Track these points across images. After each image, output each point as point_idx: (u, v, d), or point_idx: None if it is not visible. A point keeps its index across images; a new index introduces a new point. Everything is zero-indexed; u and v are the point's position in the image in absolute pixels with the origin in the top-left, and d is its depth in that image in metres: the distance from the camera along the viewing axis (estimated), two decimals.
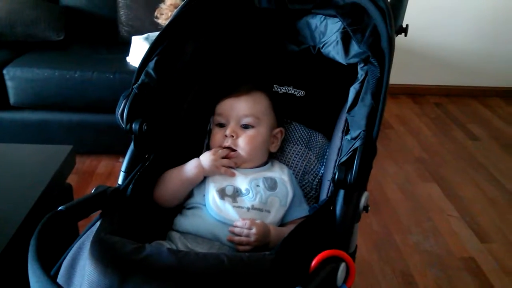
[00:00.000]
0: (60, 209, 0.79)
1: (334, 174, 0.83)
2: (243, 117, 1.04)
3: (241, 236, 0.89)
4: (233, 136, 1.02)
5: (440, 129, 3.16)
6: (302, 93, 1.14)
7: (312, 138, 1.13)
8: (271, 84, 1.16)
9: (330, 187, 0.92)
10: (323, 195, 0.96)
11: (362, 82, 0.87)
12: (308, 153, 1.11)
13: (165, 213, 1.01)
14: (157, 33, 2.43)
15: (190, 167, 0.99)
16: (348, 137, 0.84)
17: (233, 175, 1.00)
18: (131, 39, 2.41)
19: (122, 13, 2.68)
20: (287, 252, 0.75)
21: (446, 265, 1.92)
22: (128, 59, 2.40)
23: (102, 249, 0.72)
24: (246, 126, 1.04)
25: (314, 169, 1.09)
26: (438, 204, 2.33)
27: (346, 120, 0.94)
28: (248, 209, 0.94)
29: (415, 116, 3.35)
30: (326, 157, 1.10)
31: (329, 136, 1.13)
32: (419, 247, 2.01)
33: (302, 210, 1.00)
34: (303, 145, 1.12)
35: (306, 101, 1.14)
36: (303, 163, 1.10)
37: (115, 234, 0.78)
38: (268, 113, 1.07)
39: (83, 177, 2.33)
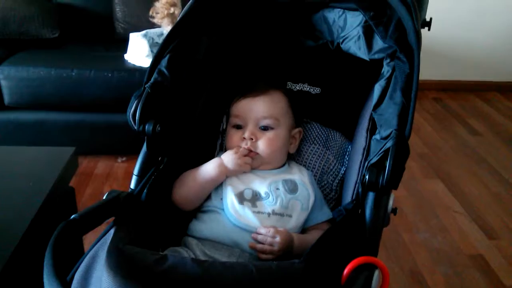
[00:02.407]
0: (73, 218, 0.73)
1: (363, 176, 0.78)
2: (261, 119, 0.99)
3: (264, 244, 0.84)
4: (252, 139, 0.97)
5: (441, 124, 3.14)
6: (318, 90, 1.10)
7: (330, 137, 1.09)
8: (285, 81, 1.12)
9: (356, 189, 0.88)
10: (347, 198, 0.92)
11: (389, 79, 0.83)
12: (326, 153, 1.07)
13: (179, 218, 0.97)
14: (156, 29, 2.39)
15: (212, 167, 0.95)
16: (377, 136, 0.80)
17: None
18: (128, 36, 2.36)
19: (118, 9, 2.63)
20: (317, 260, 0.70)
21: (455, 263, 1.90)
22: (126, 56, 2.35)
23: (121, 260, 0.67)
24: (265, 128, 0.99)
25: (334, 170, 1.05)
26: (444, 200, 2.30)
27: (371, 119, 0.89)
28: (268, 214, 0.90)
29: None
30: (347, 157, 1.05)
31: (347, 135, 1.08)
32: (427, 245, 1.99)
33: (324, 214, 0.96)
34: (320, 144, 1.08)
35: (322, 99, 1.10)
36: (321, 163, 1.06)
37: (133, 243, 0.73)
38: (287, 113, 1.03)
39: (81, 179, 2.28)
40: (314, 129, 1.10)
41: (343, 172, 1.04)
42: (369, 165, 0.77)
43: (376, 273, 0.70)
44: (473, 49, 3.61)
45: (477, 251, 1.96)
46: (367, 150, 0.89)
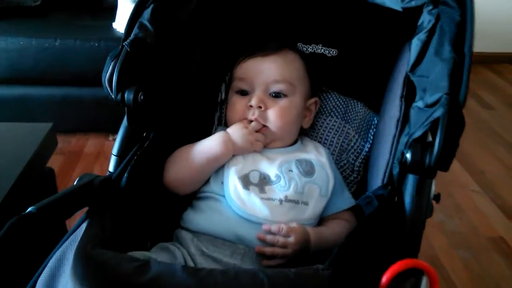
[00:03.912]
0: (29, 211, 0.57)
1: (402, 154, 0.61)
2: (273, 83, 0.82)
3: (275, 245, 0.69)
4: (260, 107, 0.80)
5: None
6: (334, 52, 0.92)
7: (350, 107, 0.91)
8: (295, 43, 0.94)
9: (388, 170, 0.71)
10: (375, 181, 0.75)
11: (431, 31, 0.66)
12: (345, 127, 0.90)
13: (170, 205, 0.80)
14: None
15: (217, 143, 0.78)
16: (420, 104, 0.63)
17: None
18: (117, 3, 2.17)
19: None
20: (347, 265, 0.54)
21: (473, 246, 1.76)
22: (114, 25, 2.17)
23: (90, 269, 0.51)
24: (277, 95, 0.82)
25: (355, 147, 0.88)
26: (459, 178, 2.15)
27: (406, 82, 0.72)
28: (280, 201, 0.73)
29: None
30: (372, 131, 0.88)
31: (371, 105, 0.91)
32: (443, 227, 1.84)
33: (345, 200, 0.80)
34: (338, 116, 0.91)
35: (340, 62, 0.93)
36: (339, 139, 0.89)
37: (107, 243, 0.58)
38: (303, 78, 0.85)
39: (69, 158, 2.13)
40: (331, 99, 0.92)
41: (367, 149, 0.87)
42: (411, 140, 0.60)
43: (424, 280, 0.54)
44: (482, 19, 3.40)
45: (496, 233, 1.82)
46: (402, 121, 0.71)
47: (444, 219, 1.89)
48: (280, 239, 0.68)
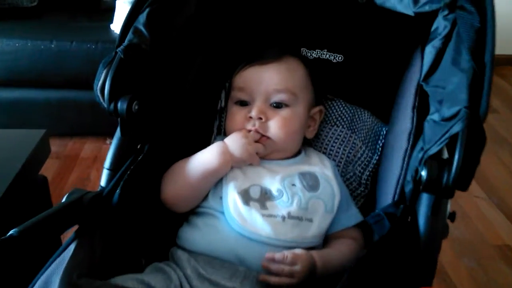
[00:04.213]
0: (10, 234, 0.52)
1: (416, 171, 0.57)
2: (274, 92, 0.77)
3: (280, 274, 0.64)
4: (261, 119, 0.75)
5: None
6: (340, 58, 0.87)
7: (356, 116, 0.87)
8: (298, 48, 0.89)
9: (399, 186, 0.66)
10: (385, 197, 0.70)
11: (447, 37, 0.62)
12: (352, 137, 0.85)
13: (165, 221, 0.76)
14: None
15: (214, 154, 0.74)
16: (435, 117, 0.58)
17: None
18: (115, 4, 2.13)
19: None
20: None
21: (480, 254, 1.71)
22: (112, 26, 2.13)
23: None
24: (278, 105, 0.77)
25: (363, 158, 0.83)
26: None
27: (417, 92, 0.68)
28: (283, 218, 0.69)
29: None
30: (380, 142, 0.83)
31: (379, 114, 0.86)
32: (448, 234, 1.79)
33: (351, 216, 0.75)
34: (344, 126, 0.86)
35: (346, 68, 0.88)
36: (345, 150, 0.84)
37: (96, 267, 0.53)
38: (306, 87, 0.81)
39: (66, 162, 2.09)
40: (336, 107, 0.88)
41: (375, 161, 0.83)
42: (426, 156, 0.55)
43: None
44: None
45: (503, 241, 1.77)
46: (414, 134, 0.67)
47: (449, 227, 1.84)
48: (286, 268, 0.64)
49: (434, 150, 0.55)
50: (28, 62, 1.97)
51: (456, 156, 0.51)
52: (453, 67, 0.58)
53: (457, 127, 0.52)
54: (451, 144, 0.53)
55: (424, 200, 0.58)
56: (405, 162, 0.67)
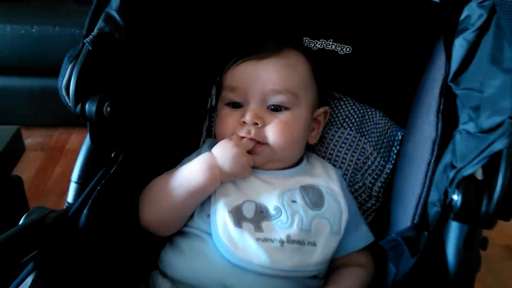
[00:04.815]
0: None
1: (445, 194, 0.47)
2: (271, 93, 0.66)
3: None
4: (257, 124, 0.65)
5: None
6: (348, 49, 0.77)
7: (366, 117, 0.76)
8: (300, 37, 0.78)
9: (419, 206, 0.56)
10: (403, 217, 0.60)
11: (483, 29, 0.51)
12: (361, 140, 0.75)
13: (145, 242, 0.65)
14: None
15: (199, 169, 0.63)
16: (470, 127, 0.48)
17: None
18: None
19: None
20: None
21: (486, 255, 1.62)
22: None
23: None
24: (276, 108, 0.67)
25: (373, 167, 0.73)
26: None
27: (441, 94, 0.58)
28: (281, 242, 0.58)
29: None
30: (395, 149, 0.73)
31: (394, 115, 0.75)
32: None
33: (361, 237, 0.66)
34: (352, 128, 0.76)
35: (354, 61, 0.77)
36: (353, 156, 0.74)
37: None
38: (309, 85, 0.70)
39: (50, 155, 1.99)
40: (343, 106, 0.77)
41: (388, 170, 0.72)
42: (460, 177, 0.45)
43: None
44: None
45: (511, 241, 1.68)
46: (439, 144, 0.56)
47: None
48: None
49: (470, 170, 0.44)
50: (7, 48, 1.87)
51: (500, 180, 0.41)
52: (492, 66, 0.47)
53: (500, 144, 0.42)
54: (490, 162, 0.43)
55: (455, 229, 0.48)
56: (428, 178, 0.56)
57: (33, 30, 1.85)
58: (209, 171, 0.62)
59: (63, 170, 1.93)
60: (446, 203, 0.47)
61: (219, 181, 0.62)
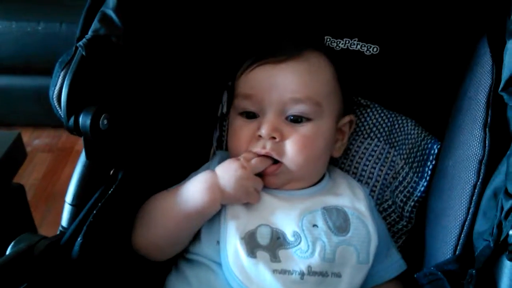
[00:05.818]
0: None
1: (499, 227, 0.39)
2: (291, 102, 0.59)
3: None
4: (274, 138, 0.57)
5: None
6: (375, 49, 0.69)
7: (396, 127, 0.68)
8: (322, 36, 0.70)
9: (463, 235, 0.48)
10: (442, 247, 0.52)
11: None
12: (390, 153, 0.67)
13: (148, 266, 0.59)
14: None
15: (199, 189, 0.56)
16: None
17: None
18: None
19: None
20: None
21: None
22: None
23: None
24: (296, 119, 0.59)
25: (405, 183, 0.65)
26: None
27: (489, 104, 0.50)
28: (301, 275, 0.51)
29: None
30: (430, 164, 0.65)
31: (429, 126, 0.68)
32: None
33: (392, 265, 0.59)
34: (380, 139, 0.68)
35: (382, 63, 0.69)
36: (381, 170, 0.66)
37: None
38: (333, 92, 0.63)
39: (59, 156, 1.97)
40: (370, 114, 0.70)
41: (423, 188, 0.64)
42: None
43: None
44: None
45: None
46: (486, 163, 0.48)
47: None
48: None
49: None
50: (13, 46, 1.86)
51: None
52: None
53: None
54: None
55: (510, 270, 0.40)
56: (474, 203, 0.48)
57: (39, 28, 1.83)
58: (209, 191, 0.55)
59: (71, 172, 1.92)
60: (501, 239, 0.39)
61: (219, 204, 0.56)
